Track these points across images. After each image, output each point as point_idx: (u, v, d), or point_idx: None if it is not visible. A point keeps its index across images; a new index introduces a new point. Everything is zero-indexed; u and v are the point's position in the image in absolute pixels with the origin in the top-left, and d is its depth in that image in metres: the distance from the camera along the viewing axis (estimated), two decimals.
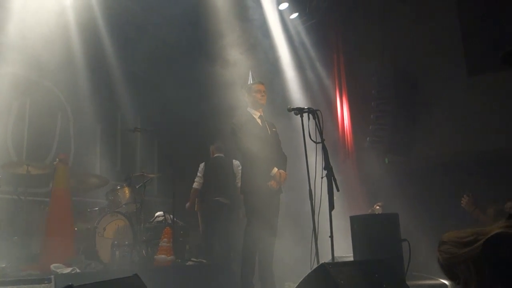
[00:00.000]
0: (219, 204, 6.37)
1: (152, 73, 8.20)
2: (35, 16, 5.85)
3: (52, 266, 4.47)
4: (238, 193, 6.45)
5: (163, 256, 5.12)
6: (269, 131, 4.78)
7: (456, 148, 6.64)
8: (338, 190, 3.75)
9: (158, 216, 6.28)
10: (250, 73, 4.99)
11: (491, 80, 6.37)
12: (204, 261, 5.89)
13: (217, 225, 6.35)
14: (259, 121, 4.78)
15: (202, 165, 6.68)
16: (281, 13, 7.94)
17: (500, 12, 6.07)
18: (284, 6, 7.84)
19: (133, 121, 7.89)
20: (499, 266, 1.48)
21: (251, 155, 4.54)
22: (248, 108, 4.86)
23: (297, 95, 7.76)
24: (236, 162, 6.59)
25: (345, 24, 8.09)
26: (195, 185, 6.60)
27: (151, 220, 6.22)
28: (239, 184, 6.44)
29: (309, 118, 4.03)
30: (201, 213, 6.72)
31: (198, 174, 6.64)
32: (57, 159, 5.39)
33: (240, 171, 6.46)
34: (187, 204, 6.58)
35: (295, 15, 8.02)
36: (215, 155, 6.76)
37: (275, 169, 4.55)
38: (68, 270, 4.45)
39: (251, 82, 4.91)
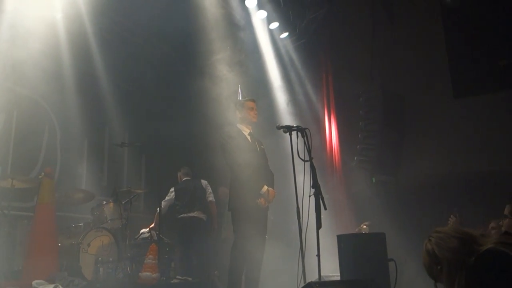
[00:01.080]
0: (196, 219, 6.59)
1: (141, 88, 8.18)
2: (25, 28, 5.83)
3: (34, 283, 4.38)
4: (211, 209, 6.77)
5: (148, 273, 5.04)
6: (258, 148, 4.78)
7: (442, 169, 6.69)
8: (325, 209, 3.75)
9: (143, 233, 6.22)
10: (240, 89, 4.99)
11: (477, 103, 6.48)
12: (189, 279, 5.82)
13: (195, 241, 6.43)
14: (248, 137, 4.77)
15: (172, 190, 6.86)
16: (271, 32, 8.02)
17: (485, 37, 6.20)
18: (274, 25, 7.93)
19: (121, 135, 7.83)
20: (488, 281, 1.54)
21: (241, 172, 4.52)
22: (238, 124, 4.86)
23: (285, 113, 7.81)
24: (204, 182, 6.93)
25: (334, 45, 8.20)
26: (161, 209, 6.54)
27: (137, 237, 6.15)
28: (209, 199, 6.78)
29: (297, 137, 4.05)
30: (178, 231, 6.72)
31: (166, 197, 6.77)
32: (43, 173, 5.33)
33: (209, 188, 6.73)
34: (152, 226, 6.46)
35: (285, 34, 8.11)
36: (183, 179, 7.03)
37: (265, 187, 4.53)
38: (50, 287, 4.37)
39: (242, 98, 4.91)
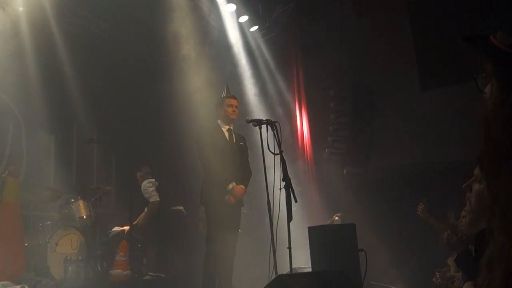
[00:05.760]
0: (181, 213, 6.43)
1: (110, 83, 8.02)
2: None
3: None
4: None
5: (119, 271, 5.00)
6: (235, 146, 4.76)
7: (412, 159, 6.81)
8: (296, 201, 3.78)
9: (114, 230, 6.13)
10: (226, 86, 4.96)
11: (444, 94, 6.59)
12: (162, 275, 5.77)
13: (177, 235, 6.30)
14: (226, 134, 4.77)
15: (153, 180, 6.50)
16: (241, 25, 7.97)
17: (452, 28, 6.30)
18: (244, 18, 7.87)
19: (90, 132, 7.66)
20: None
21: (210, 167, 4.54)
22: (218, 120, 4.85)
23: (256, 107, 7.79)
24: None
25: (304, 38, 8.22)
26: (154, 198, 6.34)
27: (109, 232, 6.06)
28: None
29: (267, 130, 4.07)
30: (161, 225, 6.60)
31: (152, 187, 6.42)
32: (7, 171, 5.19)
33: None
34: (144, 221, 6.23)
35: (255, 28, 8.07)
36: (148, 179, 6.61)
37: (232, 184, 4.50)
38: (17, 287, 4.26)
39: (225, 95, 4.88)
